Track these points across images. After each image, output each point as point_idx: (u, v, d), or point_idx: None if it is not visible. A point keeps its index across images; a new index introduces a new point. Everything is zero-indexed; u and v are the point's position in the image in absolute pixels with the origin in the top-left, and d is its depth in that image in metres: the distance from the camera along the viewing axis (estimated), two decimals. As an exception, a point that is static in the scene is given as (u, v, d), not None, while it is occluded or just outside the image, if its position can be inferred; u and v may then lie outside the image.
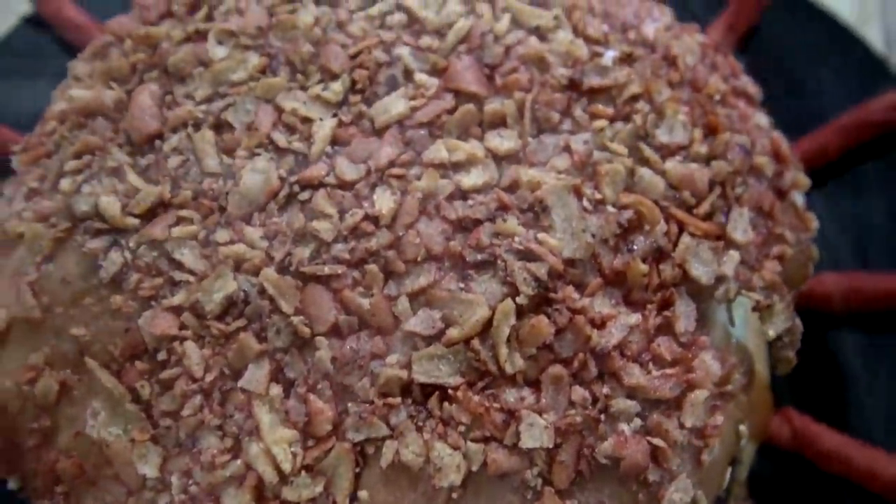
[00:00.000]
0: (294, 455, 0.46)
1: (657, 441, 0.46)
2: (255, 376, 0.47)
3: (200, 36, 0.58)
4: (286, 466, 0.45)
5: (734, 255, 0.52)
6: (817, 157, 0.82)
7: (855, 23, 0.97)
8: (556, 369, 0.47)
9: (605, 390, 0.47)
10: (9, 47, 0.90)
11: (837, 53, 0.91)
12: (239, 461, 0.46)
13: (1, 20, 1.01)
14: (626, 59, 0.58)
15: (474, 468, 0.45)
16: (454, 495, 0.45)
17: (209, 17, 0.59)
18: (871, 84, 0.87)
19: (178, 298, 0.49)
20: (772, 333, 0.53)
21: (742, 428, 0.51)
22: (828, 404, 0.73)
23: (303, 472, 0.45)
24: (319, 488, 0.45)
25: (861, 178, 0.81)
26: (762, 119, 0.61)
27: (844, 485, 0.69)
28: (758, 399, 0.64)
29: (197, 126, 0.54)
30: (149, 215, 0.52)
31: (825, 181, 0.81)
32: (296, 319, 0.48)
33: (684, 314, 0.50)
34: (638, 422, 0.47)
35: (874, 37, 1.05)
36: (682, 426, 0.47)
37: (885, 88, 0.85)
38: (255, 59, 0.56)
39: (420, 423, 0.46)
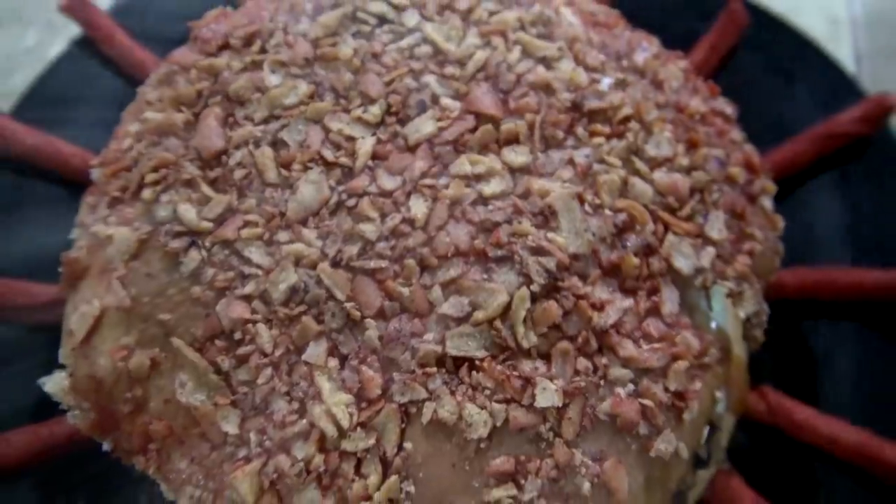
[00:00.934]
0: (350, 414, 0.53)
1: (646, 402, 0.55)
2: (316, 352, 0.55)
3: (256, 66, 0.66)
4: (344, 423, 0.52)
5: (710, 251, 0.61)
6: (791, 165, 0.90)
7: (827, 43, 1.04)
8: (564, 344, 0.55)
9: (604, 361, 0.55)
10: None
11: (811, 71, 0.98)
12: (305, 420, 0.53)
13: (49, 42, 1.10)
14: (620, 85, 0.67)
15: (498, 424, 0.53)
16: (482, 445, 0.52)
17: (263, 50, 0.67)
18: (841, 99, 0.94)
19: (249, 288, 0.57)
20: (742, 315, 0.62)
21: (718, 394, 0.60)
22: (799, 384, 0.81)
23: (358, 428, 0.53)
24: (372, 441, 0.53)
25: (819, 184, 0.89)
26: (737, 135, 0.70)
27: (813, 452, 0.76)
28: (736, 377, 0.72)
29: (257, 144, 0.62)
30: (220, 220, 0.60)
31: (795, 187, 0.89)
32: (348, 305, 0.56)
33: (669, 299, 0.59)
34: (631, 386, 0.55)
35: (845, 56, 1.12)
36: (666, 390, 0.56)
37: (853, 103, 0.91)
38: (304, 87, 0.65)
39: (453, 388, 0.54)
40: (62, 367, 0.61)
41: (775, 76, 0.98)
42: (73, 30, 1.04)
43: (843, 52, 1.13)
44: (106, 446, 0.60)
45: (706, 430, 0.61)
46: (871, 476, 0.75)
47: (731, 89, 0.78)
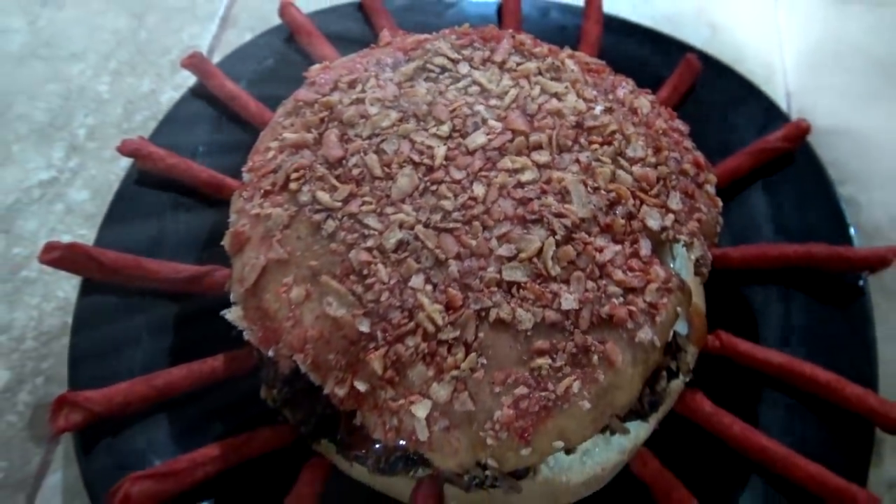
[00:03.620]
0: (443, 317, 0.71)
1: (632, 307, 0.74)
2: (417, 281, 0.74)
3: (360, 101, 0.91)
4: (439, 322, 0.71)
5: (671, 216, 0.85)
6: (735, 173, 1.19)
7: (763, 84, 1.27)
8: (578, 273, 0.74)
9: (604, 283, 0.74)
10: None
11: (750, 105, 1.24)
12: (413, 322, 0.72)
13: (161, 90, 1.40)
14: (608, 111, 0.92)
15: (538, 321, 0.72)
16: (528, 334, 0.71)
17: (363, 91, 0.93)
18: (773, 125, 1.23)
19: (370, 243, 0.75)
20: (693, 257, 0.89)
21: (678, 309, 0.84)
22: (744, 330, 1.08)
23: (448, 326, 0.71)
24: (458, 333, 0.71)
25: (755, 186, 1.16)
26: (688, 144, 0.97)
27: (754, 374, 1.01)
28: (697, 320, 1.01)
29: (365, 152, 0.81)
30: (345, 200, 0.80)
31: (739, 190, 1.19)
32: (436, 251, 0.74)
33: (644, 246, 0.82)
34: (621, 298, 0.75)
35: (778, 94, 1.36)
36: (644, 301, 0.75)
37: (781, 127, 1.21)
38: (394, 114, 0.85)
39: (508, 300, 0.73)
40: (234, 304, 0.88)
41: (723, 109, 1.23)
42: (178, 79, 1.32)
43: (776, 90, 1.35)
44: (270, 353, 0.84)
45: (671, 334, 0.90)
46: (796, 389, 0.98)
47: (689, 118, 1.06)
